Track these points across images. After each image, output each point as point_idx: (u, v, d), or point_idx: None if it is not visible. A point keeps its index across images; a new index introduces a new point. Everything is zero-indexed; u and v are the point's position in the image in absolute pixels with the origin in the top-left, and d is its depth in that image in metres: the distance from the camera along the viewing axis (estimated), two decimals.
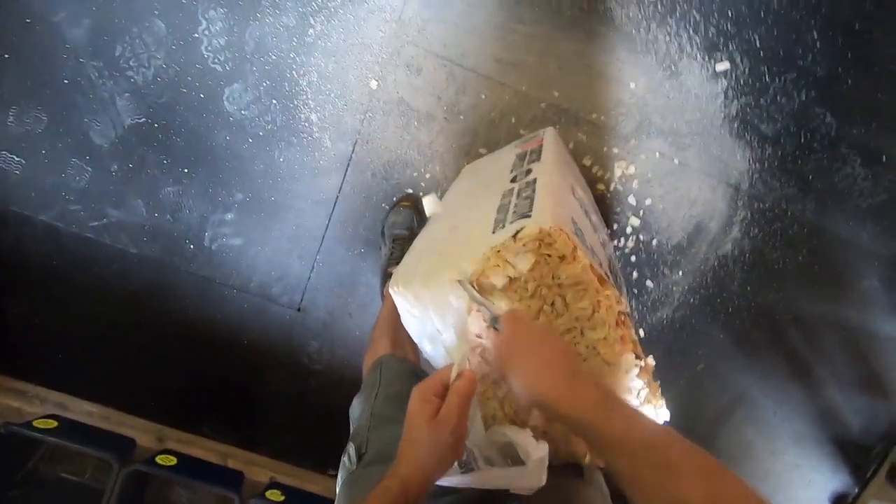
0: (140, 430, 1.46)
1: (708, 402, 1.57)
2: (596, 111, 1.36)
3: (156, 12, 1.25)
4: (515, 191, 0.82)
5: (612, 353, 0.67)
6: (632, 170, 1.40)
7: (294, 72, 1.31)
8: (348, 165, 1.36)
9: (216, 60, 1.29)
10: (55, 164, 1.32)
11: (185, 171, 1.35)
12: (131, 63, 1.28)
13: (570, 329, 0.67)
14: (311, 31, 1.29)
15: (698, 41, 1.33)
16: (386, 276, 1.33)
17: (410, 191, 1.39)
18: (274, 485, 1.34)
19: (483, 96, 1.34)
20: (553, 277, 0.65)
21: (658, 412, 0.71)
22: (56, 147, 1.32)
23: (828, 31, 1.33)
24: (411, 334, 0.79)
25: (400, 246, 1.32)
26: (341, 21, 1.28)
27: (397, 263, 1.31)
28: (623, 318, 0.68)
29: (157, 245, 1.39)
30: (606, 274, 0.71)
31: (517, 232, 0.65)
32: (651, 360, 0.70)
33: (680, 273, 1.47)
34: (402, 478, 0.52)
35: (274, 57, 1.29)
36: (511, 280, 0.66)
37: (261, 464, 1.51)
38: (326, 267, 1.42)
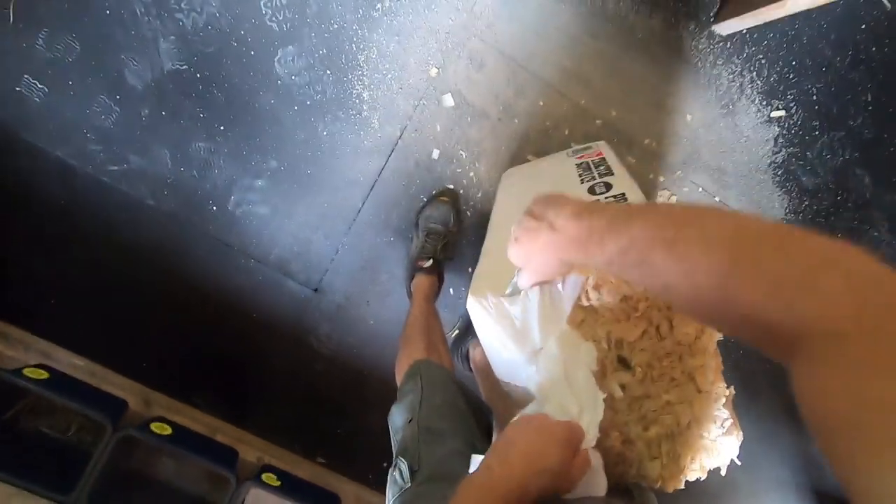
0: (127, 391, 1.38)
1: None
2: (649, 137, 1.35)
3: None
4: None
5: (705, 382, 0.66)
6: (672, 199, 1.39)
7: (354, 45, 1.25)
8: (393, 150, 1.31)
9: (274, 18, 1.22)
10: (81, 98, 1.23)
11: (221, 128, 1.27)
12: (182, 5, 1.19)
13: (670, 353, 0.66)
14: (378, 4, 1.23)
15: (759, 84, 1.34)
16: (415, 269, 1.29)
17: (451, 186, 1.35)
18: (267, 467, 1.28)
19: (541, 103, 1.31)
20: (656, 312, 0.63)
21: (737, 442, 0.71)
22: (85, 80, 1.22)
23: (881, 96, 1.36)
24: (493, 353, 0.75)
25: (433, 240, 1.28)
26: (408, 4, 1.23)
27: (429, 257, 1.28)
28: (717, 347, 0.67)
29: (177, 200, 1.31)
30: None
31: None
32: (732, 391, 0.70)
33: None
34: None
35: (335, 25, 1.23)
36: (624, 298, 0.64)
37: (250, 442, 1.45)
38: (351, 250, 1.37)
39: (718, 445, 0.75)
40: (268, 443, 1.48)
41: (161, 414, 1.36)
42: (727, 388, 0.69)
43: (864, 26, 1.32)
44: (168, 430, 1.15)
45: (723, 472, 0.77)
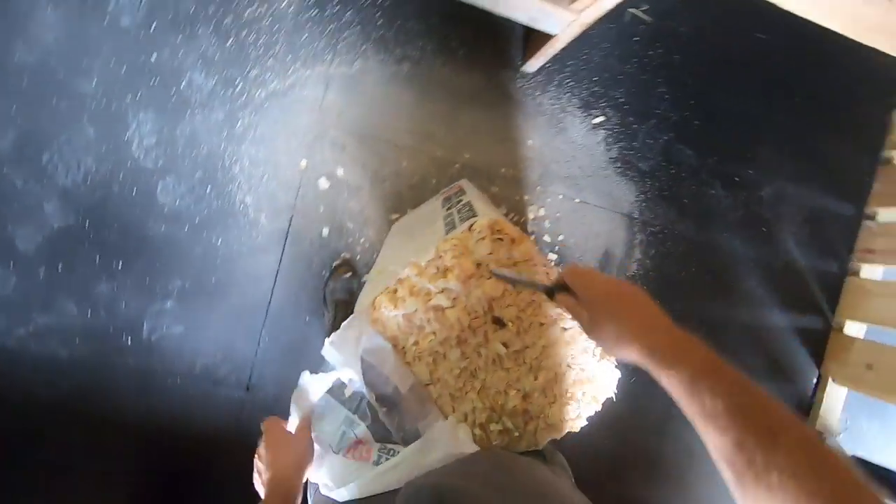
0: None
1: (647, 413, 1.70)
2: (504, 166, 1.57)
3: (84, 119, 1.31)
4: (455, 212, 0.96)
5: (567, 318, 0.81)
6: (542, 212, 1.60)
7: (226, 160, 1.40)
8: (286, 239, 1.44)
9: (148, 158, 1.35)
10: None
11: (120, 266, 1.35)
12: (59, 168, 1.31)
13: (531, 302, 0.81)
14: (239, 123, 1.40)
15: (576, 102, 1.61)
16: None
17: (347, 255, 1.48)
18: None
19: (404, 164, 1.50)
20: (508, 258, 0.78)
21: (612, 365, 0.86)
22: None
23: (671, 86, 1.66)
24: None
25: (342, 310, 1.38)
26: (267, 112, 1.42)
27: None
28: None
29: (91, 345, 1.35)
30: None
31: (471, 225, 0.79)
32: None
33: None
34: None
35: (205, 149, 1.39)
36: (478, 265, 0.78)
37: None
38: (272, 341, 1.44)
39: (598, 373, 0.90)
40: None
41: None
42: None
43: (636, 38, 1.64)
44: None
45: (613, 398, 0.91)
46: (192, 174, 1.38)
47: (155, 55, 1.35)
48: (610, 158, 1.64)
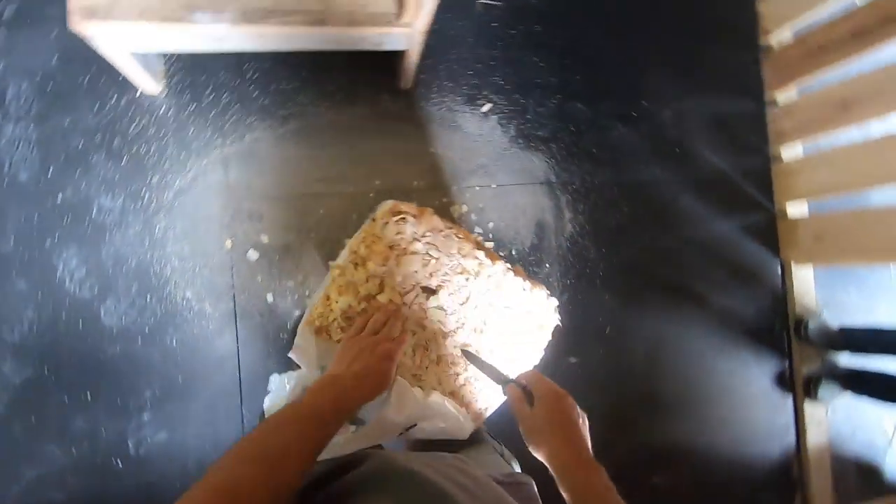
0: None
1: (632, 359, 1.73)
2: (415, 179, 1.64)
3: (13, 275, 1.38)
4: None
5: (482, 264, 0.94)
6: (465, 208, 1.66)
7: (156, 265, 1.46)
8: (236, 319, 1.49)
9: (82, 288, 1.42)
10: None
11: (88, 397, 1.40)
12: (3, 328, 1.37)
13: (454, 265, 0.89)
14: (157, 228, 1.48)
15: (460, 99, 1.69)
16: None
17: (299, 312, 1.53)
18: None
19: (322, 211, 1.57)
20: (416, 233, 0.90)
21: (545, 293, 0.98)
22: None
23: (542, 52, 1.75)
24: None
25: None
26: (180, 210, 1.49)
27: None
28: (480, 242, 0.98)
29: (83, 480, 1.39)
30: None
31: (374, 215, 0.87)
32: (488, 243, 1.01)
33: (547, 266, 1.70)
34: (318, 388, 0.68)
35: (133, 261, 1.45)
36: (391, 247, 0.86)
37: None
38: (254, 413, 1.48)
39: (534, 305, 0.97)
40: None
41: None
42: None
43: (494, 24, 1.73)
44: None
45: (559, 323, 0.99)
46: (128, 290, 1.44)
47: (60, 196, 1.43)
48: (510, 138, 1.71)
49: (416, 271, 0.91)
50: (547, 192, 1.72)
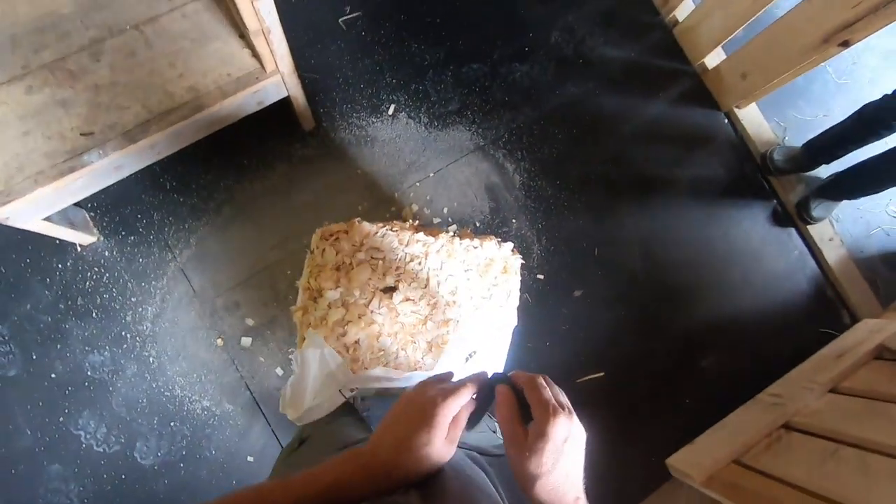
0: None
1: (631, 266, 1.74)
2: (358, 204, 1.66)
3: (44, 462, 1.42)
4: None
5: (430, 242, 0.99)
6: (415, 207, 1.68)
7: (165, 392, 1.50)
8: (259, 405, 1.52)
9: (111, 444, 1.45)
10: None
11: None
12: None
13: (402, 258, 0.92)
14: (151, 359, 1.51)
15: (364, 113, 1.72)
16: None
17: None
18: None
19: (288, 272, 1.60)
20: (355, 246, 0.94)
21: (496, 242, 1.03)
22: None
23: (418, 36, 1.78)
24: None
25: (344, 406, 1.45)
26: (162, 333, 1.53)
27: None
28: (417, 226, 1.03)
29: None
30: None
31: (310, 249, 0.94)
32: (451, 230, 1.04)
33: (514, 221, 1.72)
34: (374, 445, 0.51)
35: (145, 399, 1.49)
36: (338, 268, 0.89)
37: None
38: None
39: (487, 254, 1.01)
40: None
41: None
42: (449, 232, 1.03)
43: (363, 33, 1.76)
44: None
45: (523, 261, 1.00)
46: (151, 426, 1.48)
47: (52, 374, 1.47)
48: (425, 125, 1.74)
49: (368, 279, 0.93)
50: (481, 156, 1.75)
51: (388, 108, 1.73)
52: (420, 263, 0.96)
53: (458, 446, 0.56)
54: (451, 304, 0.96)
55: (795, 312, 1.78)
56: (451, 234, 1.00)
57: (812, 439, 1.34)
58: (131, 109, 1.21)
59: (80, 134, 1.19)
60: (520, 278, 1.03)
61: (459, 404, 0.53)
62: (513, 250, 1.04)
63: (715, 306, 1.76)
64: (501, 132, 1.77)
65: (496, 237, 1.03)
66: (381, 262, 0.95)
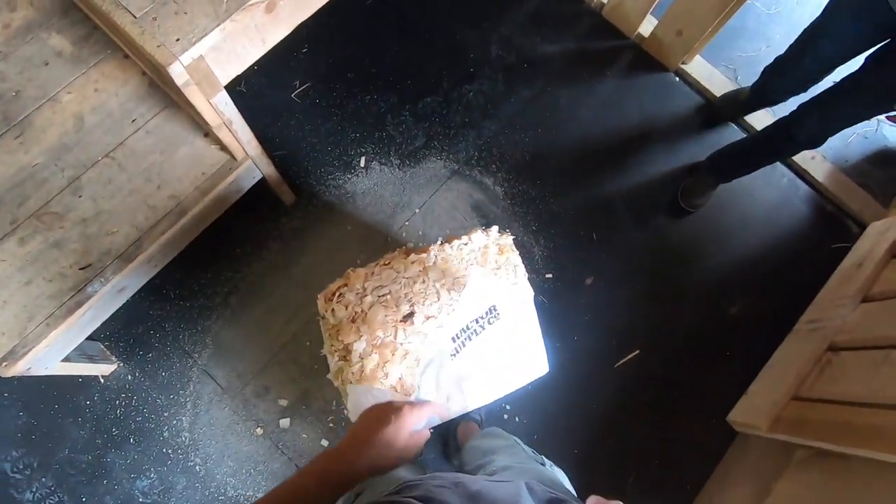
0: None
1: (631, 240, 1.76)
2: (356, 257, 1.69)
3: None
4: None
5: (423, 259, 1.01)
6: (410, 245, 1.71)
7: (219, 496, 1.48)
8: None
9: None
10: None
11: None
12: None
13: (401, 281, 0.97)
14: (197, 468, 1.50)
15: (338, 174, 1.77)
16: None
17: None
18: None
19: (307, 342, 1.61)
20: (360, 293, 0.95)
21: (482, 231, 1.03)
22: None
23: (369, 88, 1.85)
24: None
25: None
26: (202, 439, 1.52)
27: None
28: (406, 250, 1.05)
29: None
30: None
31: (319, 316, 0.97)
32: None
33: (508, 231, 1.74)
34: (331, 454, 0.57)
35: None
36: (353, 319, 0.92)
37: None
38: None
39: (479, 243, 1.02)
40: None
41: None
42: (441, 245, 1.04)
43: (317, 101, 1.83)
44: None
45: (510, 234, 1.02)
46: None
47: None
48: (398, 166, 1.79)
49: (385, 316, 0.94)
50: (459, 179, 1.79)
51: (359, 161, 1.78)
52: (424, 281, 0.98)
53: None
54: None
55: (803, 237, 1.79)
56: (439, 242, 1.03)
57: (860, 353, 1.33)
58: (121, 232, 1.25)
59: (80, 269, 1.22)
60: (518, 253, 1.05)
61: (426, 415, 0.62)
62: (500, 231, 1.07)
63: (725, 253, 1.77)
64: (471, 151, 1.81)
65: (478, 229, 1.06)
66: (388, 296, 0.96)
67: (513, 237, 1.07)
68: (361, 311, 0.95)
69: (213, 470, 1.50)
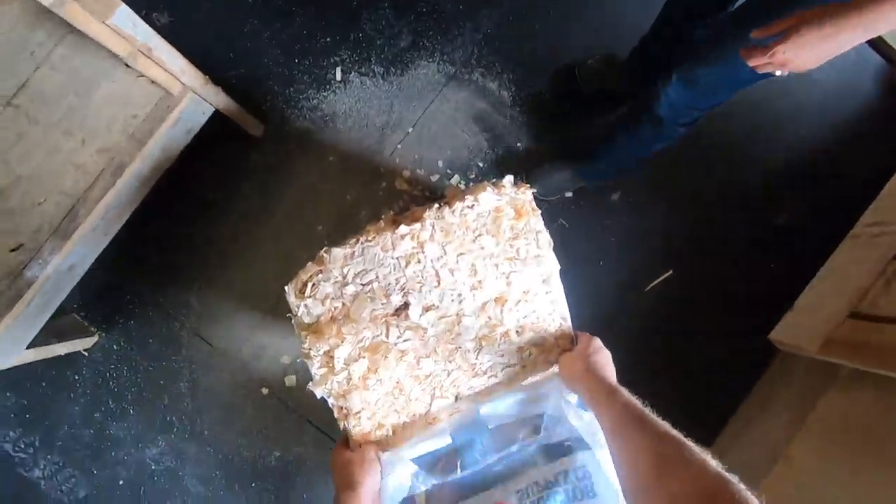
0: None
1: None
2: (346, 194, 1.46)
3: None
4: None
5: (417, 229, 0.81)
6: (406, 173, 1.47)
7: (234, 457, 1.42)
8: (324, 433, 1.43)
9: None
10: None
11: None
12: None
13: (395, 266, 0.79)
14: (204, 430, 1.43)
15: (311, 92, 1.47)
16: None
17: None
18: None
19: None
20: (335, 282, 0.79)
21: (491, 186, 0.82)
22: None
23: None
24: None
25: None
26: (204, 402, 1.43)
27: None
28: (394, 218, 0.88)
29: None
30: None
31: (290, 315, 0.81)
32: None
33: (519, 143, 1.48)
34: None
35: (217, 471, 1.42)
36: (332, 319, 0.78)
37: None
38: None
39: (487, 204, 0.80)
40: None
41: None
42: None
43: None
44: None
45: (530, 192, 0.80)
46: (234, 494, 1.42)
47: (120, 481, 1.42)
48: (382, 77, 1.48)
49: (372, 310, 0.75)
50: (457, 86, 1.48)
51: (334, 74, 1.47)
52: (419, 262, 0.77)
53: None
54: (476, 287, 0.78)
55: (867, 122, 1.51)
56: (437, 206, 0.79)
57: None
58: (50, 201, 1.02)
59: (10, 251, 1.01)
60: (540, 213, 0.81)
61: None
62: (515, 183, 0.82)
63: (770, 151, 1.51)
64: (469, 49, 1.48)
65: (489, 182, 0.81)
66: (375, 283, 0.76)
67: (533, 191, 0.82)
68: (343, 305, 0.75)
69: (223, 433, 1.42)
